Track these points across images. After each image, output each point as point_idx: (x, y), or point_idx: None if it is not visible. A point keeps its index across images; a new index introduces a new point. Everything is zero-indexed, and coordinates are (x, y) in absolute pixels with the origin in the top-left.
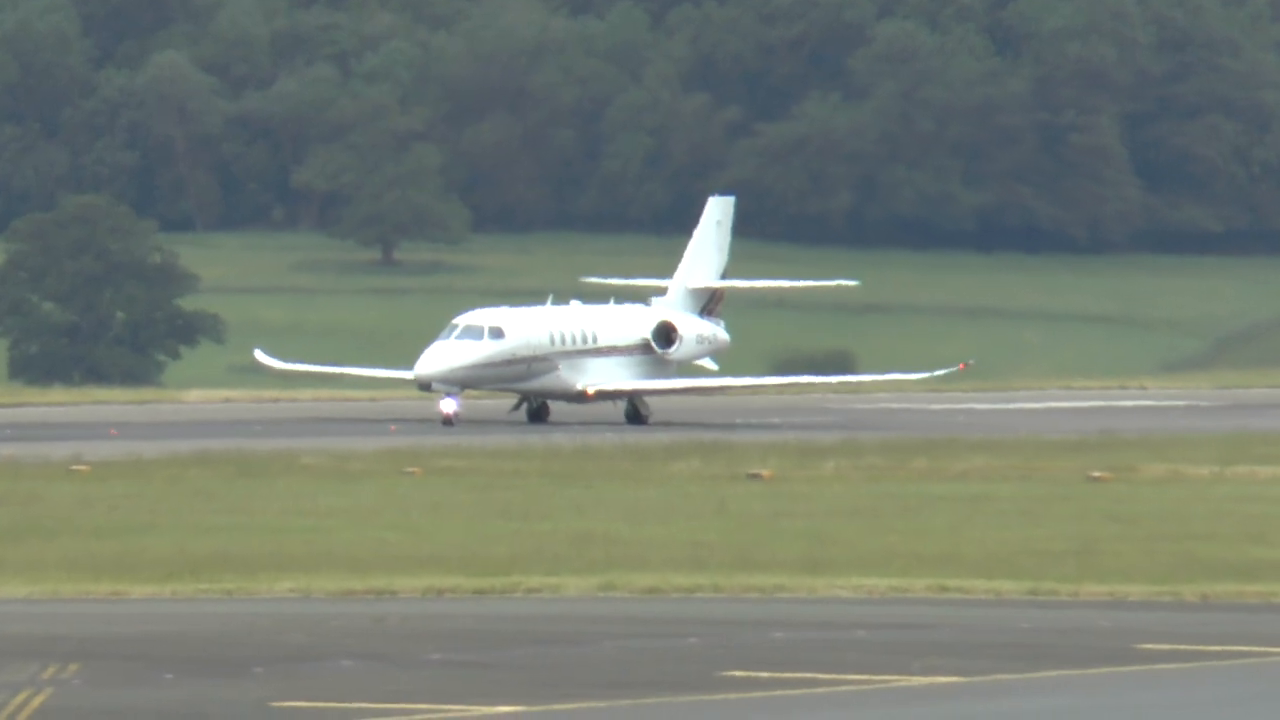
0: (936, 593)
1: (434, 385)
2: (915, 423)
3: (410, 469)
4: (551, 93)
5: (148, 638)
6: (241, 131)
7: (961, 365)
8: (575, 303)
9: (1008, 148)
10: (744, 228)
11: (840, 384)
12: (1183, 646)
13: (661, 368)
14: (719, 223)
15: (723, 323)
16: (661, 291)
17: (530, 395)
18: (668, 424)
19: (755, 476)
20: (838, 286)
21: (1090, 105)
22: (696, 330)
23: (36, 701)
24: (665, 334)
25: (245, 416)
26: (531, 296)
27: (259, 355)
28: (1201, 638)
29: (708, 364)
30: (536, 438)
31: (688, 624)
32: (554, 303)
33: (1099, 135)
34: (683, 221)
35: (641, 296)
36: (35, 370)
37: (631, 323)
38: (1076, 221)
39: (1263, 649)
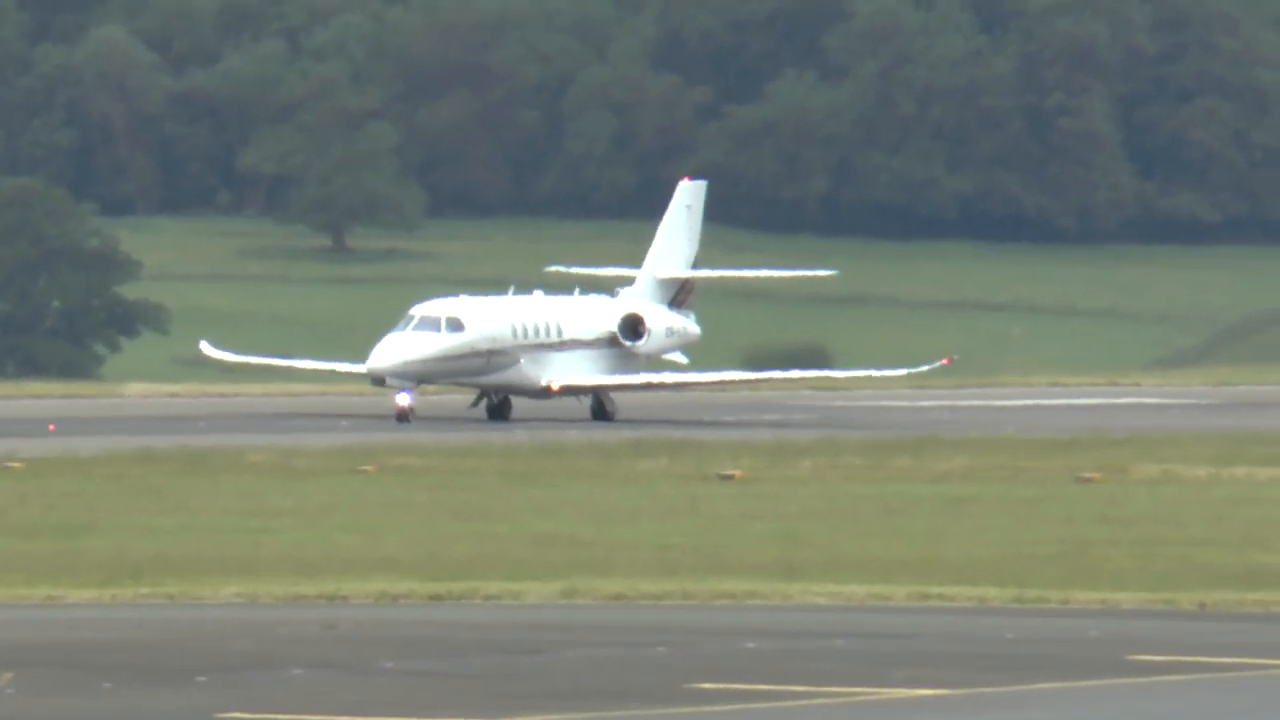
0: (918, 600)
1: (388, 379)
2: (895, 420)
3: (363, 467)
4: (512, 70)
5: (85, 645)
6: (185, 110)
7: (945, 360)
8: (538, 293)
9: (993, 131)
10: (714, 214)
11: (817, 379)
12: (1179, 657)
13: (629, 362)
14: (689, 208)
15: (693, 315)
16: (629, 281)
17: (490, 390)
18: (634, 421)
19: (727, 477)
20: (814, 277)
21: (1080, 86)
22: (666, 322)
23: None
24: (633, 326)
25: (190, 411)
26: (492, 286)
27: (205, 347)
28: (1199, 648)
29: (678, 358)
30: (496, 435)
31: (655, 632)
32: (516, 293)
33: (1089, 118)
34: (650, 207)
35: (607, 287)
36: None
37: (597, 314)
38: (1065, 209)
39: (1263, 661)
